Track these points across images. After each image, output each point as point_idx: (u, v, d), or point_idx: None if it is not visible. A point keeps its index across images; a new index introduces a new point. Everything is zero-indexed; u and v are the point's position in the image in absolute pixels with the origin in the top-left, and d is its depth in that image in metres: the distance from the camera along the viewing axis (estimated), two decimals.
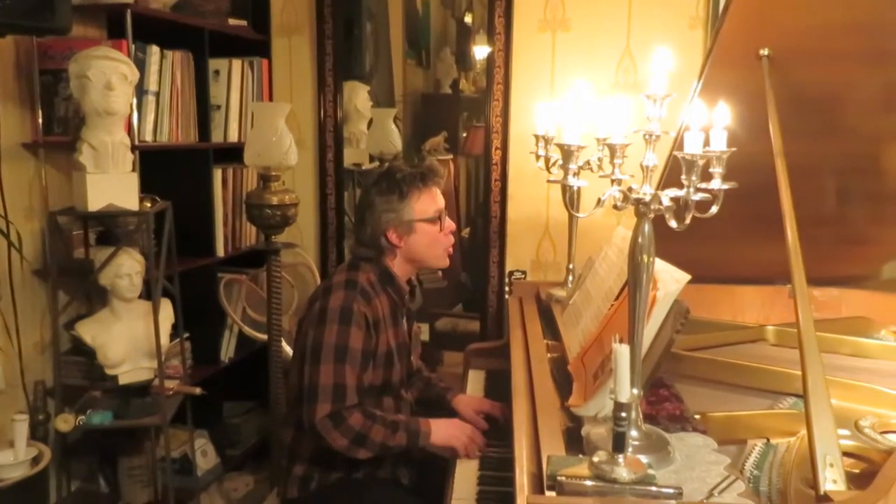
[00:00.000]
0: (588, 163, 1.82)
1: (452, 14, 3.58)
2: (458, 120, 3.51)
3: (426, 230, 1.75)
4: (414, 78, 3.51)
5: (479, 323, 2.84)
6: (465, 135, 3.51)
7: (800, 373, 1.53)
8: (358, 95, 3.06)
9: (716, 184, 1.15)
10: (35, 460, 1.87)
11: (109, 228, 2.18)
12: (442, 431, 1.68)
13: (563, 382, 1.55)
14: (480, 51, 3.30)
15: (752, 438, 1.38)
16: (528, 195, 2.65)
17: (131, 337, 2.05)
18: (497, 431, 1.78)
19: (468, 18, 3.51)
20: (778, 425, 1.43)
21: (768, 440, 1.37)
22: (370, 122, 3.14)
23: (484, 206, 2.71)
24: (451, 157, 3.48)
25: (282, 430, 1.81)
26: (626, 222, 2.21)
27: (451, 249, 1.81)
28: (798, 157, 1.45)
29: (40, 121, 2.21)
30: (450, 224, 1.79)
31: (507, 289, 2.58)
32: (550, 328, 1.94)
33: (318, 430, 1.58)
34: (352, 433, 1.59)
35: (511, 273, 2.55)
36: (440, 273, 3.54)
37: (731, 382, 1.66)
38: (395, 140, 3.18)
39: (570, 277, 2.19)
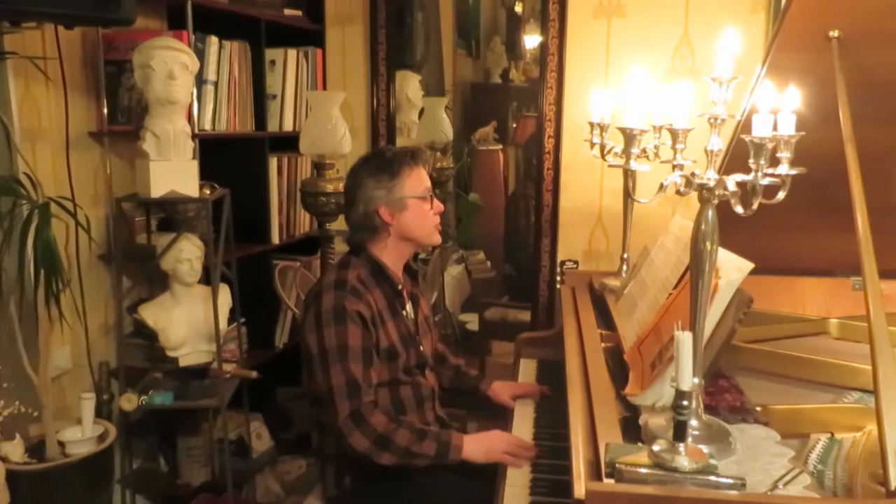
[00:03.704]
0: (644, 150, 1.79)
1: (502, 3, 3.55)
2: (507, 110, 3.49)
3: (417, 206, 1.75)
4: (464, 68, 3.50)
5: (530, 313, 2.83)
6: (514, 125, 3.49)
7: (866, 367, 1.49)
8: (409, 85, 3.07)
9: (783, 169, 1.12)
10: (101, 437, 1.94)
11: (170, 215, 2.24)
12: (476, 446, 1.63)
13: (618, 372, 1.54)
14: (531, 40, 3.27)
15: (816, 432, 1.34)
16: (581, 184, 2.62)
17: (191, 320, 2.10)
18: (548, 423, 1.77)
19: (518, 7, 3.48)
20: (843, 420, 1.39)
21: (832, 435, 1.33)
22: (421, 112, 3.15)
23: (536, 195, 2.69)
24: (500, 147, 3.46)
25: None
26: (683, 211, 2.17)
27: (439, 227, 1.82)
28: (867, 144, 1.40)
29: (105, 110, 2.29)
30: (438, 205, 1.80)
31: (558, 278, 2.56)
32: (604, 318, 1.93)
33: (343, 432, 1.58)
34: (374, 434, 1.58)
35: (563, 263, 2.53)
36: (489, 263, 3.55)
37: (794, 376, 1.62)
38: (446, 129, 3.18)
39: (625, 267, 2.16)
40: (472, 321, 3.43)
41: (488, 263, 3.54)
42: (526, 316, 2.89)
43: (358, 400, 1.59)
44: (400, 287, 1.80)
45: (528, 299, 2.84)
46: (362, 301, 1.67)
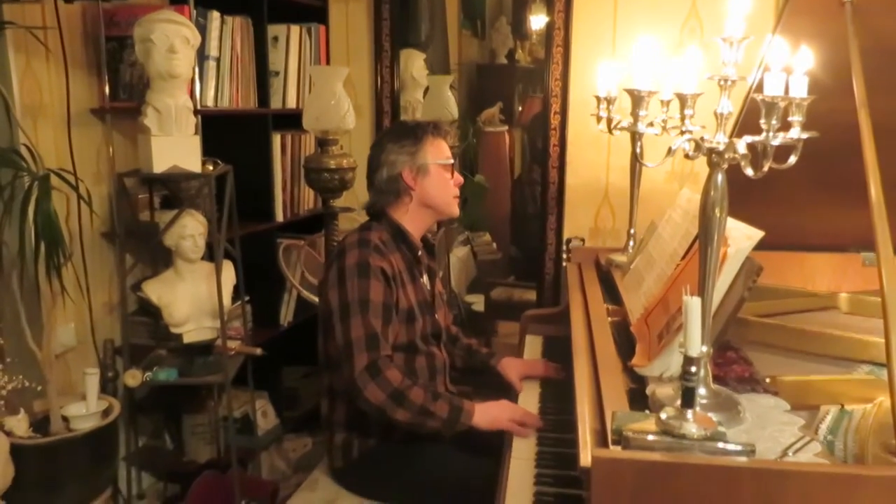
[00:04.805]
0: (651, 124, 1.77)
1: None
2: (513, 91, 3.46)
3: (439, 173, 1.79)
4: (469, 48, 3.47)
5: (536, 292, 2.81)
6: (520, 108, 3.46)
7: (876, 340, 1.47)
8: (414, 63, 3.04)
9: (795, 133, 1.09)
10: (105, 412, 1.94)
11: (173, 192, 2.22)
12: (486, 414, 1.63)
13: (625, 345, 1.52)
14: (537, 21, 3.23)
15: (826, 404, 1.32)
16: (588, 161, 2.59)
17: (195, 297, 2.09)
18: (554, 398, 1.76)
19: None
20: (853, 391, 1.37)
21: (843, 406, 1.31)
22: (426, 91, 3.11)
23: (542, 172, 2.67)
24: (506, 128, 3.44)
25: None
26: (691, 186, 2.14)
27: (458, 199, 1.86)
28: (880, 116, 1.36)
29: (107, 87, 2.27)
30: (458, 177, 1.84)
31: (564, 256, 2.54)
32: (610, 295, 1.91)
33: (358, 385, 1.57)
34: (390, 388, 1.57)
35: (569, 240, 2.51)
36: (494, 245, 3.53)
37: (803, 350, 1.59)
38: (451, 107, 3.15)
39: (631, 243, 2.14)
40: (477, 302, 3.42)
41: (494, 245, 3.53)
42: (532, 296, 2.88)
43: (376, 352, 1.59)
44: (420, 252, 1.82)
45: (533, 279, 2.83)
46: (385, 259, 1.69)
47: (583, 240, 2.50)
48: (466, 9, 3.43)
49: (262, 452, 2.54)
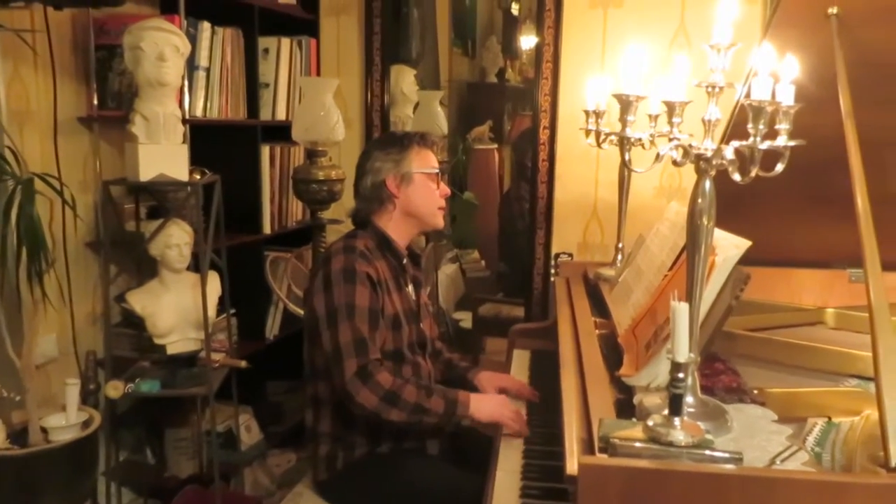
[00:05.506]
0: (640, 140, 1.77)
1: (499, 4, 3.56)
2: (503, 109, 3.48)
3: (423, 182, 1.78)
4: (459, 67, 3.50)
5: (524, 308, 2.80)
6: (509, 127, 3.48)
7: (864, 354, 1.47)
8: (404, 79, 3.05)
9: (782, 140, 1.10)
10: (86, 424, 1.90)
11: (160, 201, 2.20)
12: (485, 406, 1.64)
13: (612, 358, 1.51)
14: (527, 41, 3.27)
15: (813, 416, 1.32)
16: (576, 176, 2.60)
17: (180, 307, 2.07)
18: (541, 411, 1.75)
19: (515, 9, 3.48)
20: (841, 404, 1.37)
21: (830, 419, 1.30)
22: (416, 106, 3.12)
23: (530, 187, 2.67)
24: (495, 146, 3.45)
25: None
26: (679, 201, 2.15)
27: (444, 211, 1.85)
28: (865, 130, 1.37)
29: (95, 95, 2.25)
30: (444, 188, 1.83)
31: (552, 271, 2.54)
32: (598, 308, 1.90)
33: (350, 390, 1.55)
34: (382, 390, 1.55)
35: (557, 255, 2.51)
36: (483, 262, 3.52)
37: (791, 363, 1.59)
38: (441, 123, 3.16)
39: (620, 257, 2.14)
40: (465, 319, 3.40)
41: (483, 263, 3.52)
42: (520, 312, 2.86)
43: (365, 357, 1.58)
44: (404, 261, 1.81)
45: (522, 295, 2.81)
46: (371, 265, 1.69)
47: (571, 255, 2.50)
48: (457, 28, 3.47)
49: (245, 468, 2.50)
